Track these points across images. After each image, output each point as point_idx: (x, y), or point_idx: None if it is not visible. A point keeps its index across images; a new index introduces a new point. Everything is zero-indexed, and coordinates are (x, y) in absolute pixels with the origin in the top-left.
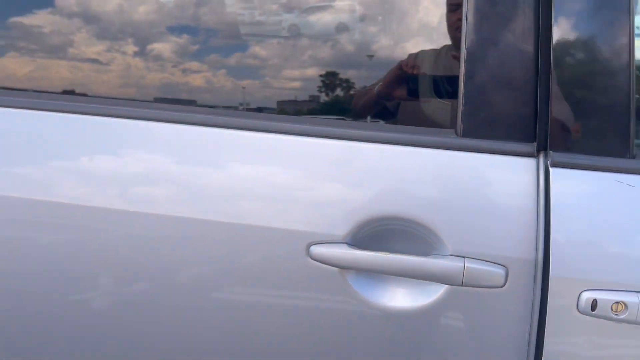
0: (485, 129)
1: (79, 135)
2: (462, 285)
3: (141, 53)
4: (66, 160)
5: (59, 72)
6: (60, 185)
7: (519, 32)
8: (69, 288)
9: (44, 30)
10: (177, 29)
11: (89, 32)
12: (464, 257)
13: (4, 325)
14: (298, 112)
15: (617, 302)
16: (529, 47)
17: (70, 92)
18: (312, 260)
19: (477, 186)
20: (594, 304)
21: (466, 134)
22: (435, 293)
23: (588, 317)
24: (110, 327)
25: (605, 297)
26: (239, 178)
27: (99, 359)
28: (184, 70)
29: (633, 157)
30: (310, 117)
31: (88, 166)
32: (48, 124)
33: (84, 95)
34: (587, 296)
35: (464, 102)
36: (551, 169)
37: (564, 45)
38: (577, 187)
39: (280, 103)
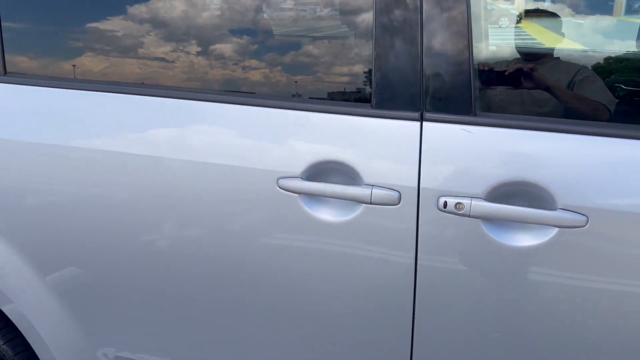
0: (389, 102)
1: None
2: (370, 203)
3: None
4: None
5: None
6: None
7: (407, 35)
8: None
9: (116, 34)
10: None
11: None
12: (372, 185)
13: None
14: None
15: (458, 203)
16: (414, 47)
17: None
18: (279, 189)
19: (383, 139)
20: (445, 204)
21: (377, 106)
22: (357, 209)
23: (442, 212)
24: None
25: (451, 200)
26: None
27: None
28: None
29: (475, 115)
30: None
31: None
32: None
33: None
34: (442, 200)
35: (375, 84)
36: (424, 124)
37: (429, 42)
38: (441, 135)
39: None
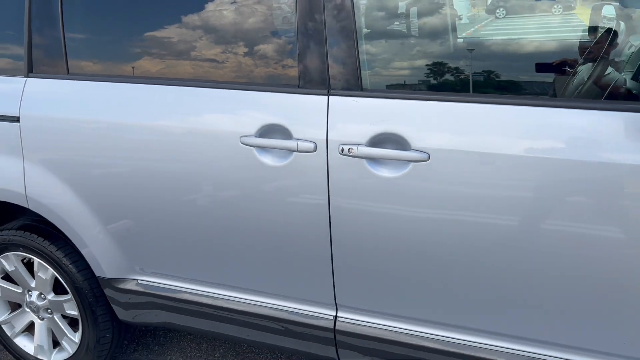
0: (308, 84)
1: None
2: (297, 151)
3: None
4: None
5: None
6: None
7: (316, 39)
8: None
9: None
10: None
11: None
12: (298, 139)
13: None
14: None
15: (350, 148)
16: (322, 47)
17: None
18: (241, 144)
19: (305, 108)
20: (342, 149)
21: (301, 86)
22: (290, 157)
23: (341, 155)
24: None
25: (346, 146)
26: None
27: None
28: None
29: (361, 90)
30: None
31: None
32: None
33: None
34: (340, 147)
35: (300, 72)
36: (330, 98)
37: (331, 43)
38: (340, 103)
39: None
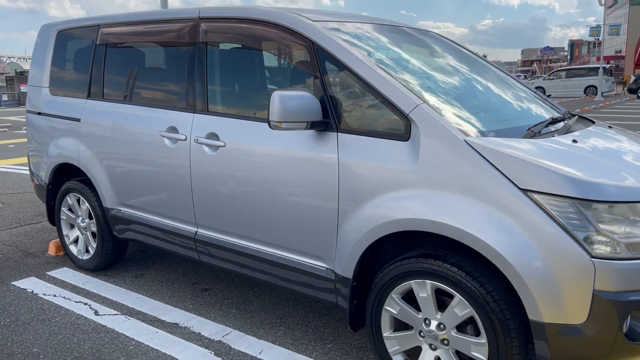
0: (189, 106)
1: None
2: (180, 139)
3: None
4: None
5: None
6: None
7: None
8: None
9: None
10: None
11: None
12: (180, 134)
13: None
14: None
15: (197, 138)
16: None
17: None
18: (160, 135)
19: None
20: (196, 139)
21: (187, 110)
22: (177, 142)
23: (196, 142)
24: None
25: (200, 140)
26: None
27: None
28: None
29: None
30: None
31: None
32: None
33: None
34: (197, 138)
35: (187, 99)
36: (195, 115)
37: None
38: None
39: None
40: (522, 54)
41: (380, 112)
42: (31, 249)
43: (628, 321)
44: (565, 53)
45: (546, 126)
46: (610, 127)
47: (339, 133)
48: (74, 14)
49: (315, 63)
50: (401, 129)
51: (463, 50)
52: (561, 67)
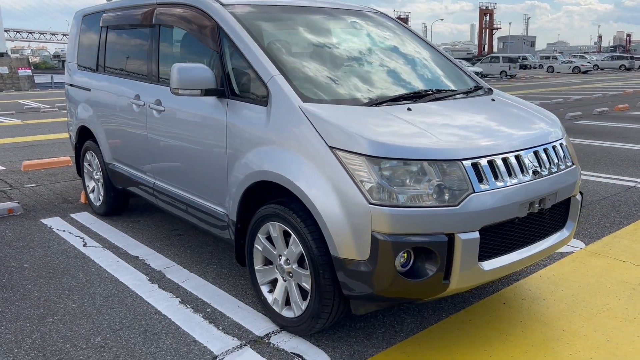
0: (165, 80)
1: None
2: (142, 105)
3: None
4: None
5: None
6: None
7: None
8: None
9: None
10: None
11: None
12: (142, 100)
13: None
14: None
15: (149, 104)
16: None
17: None
18: (130, 101)
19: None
20: (149, 105)
21: (153, 81)
22: (140, 107)
23: (149, 107)
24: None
25: (150, 104)
26: None
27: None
28: None
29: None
30: None
31: None
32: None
33: None
34: (149, 104)
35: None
36: (228, 101)
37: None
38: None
39: None
40: None
41: (255, 83)
42: (70, 197)
43: (411, 261)
44: None
45: (413, 97)
46: (493, 100)
47: (229, 99)
48: None
49: (217, 41)
50: (265, 95)
51: (397, 32)
52: None
